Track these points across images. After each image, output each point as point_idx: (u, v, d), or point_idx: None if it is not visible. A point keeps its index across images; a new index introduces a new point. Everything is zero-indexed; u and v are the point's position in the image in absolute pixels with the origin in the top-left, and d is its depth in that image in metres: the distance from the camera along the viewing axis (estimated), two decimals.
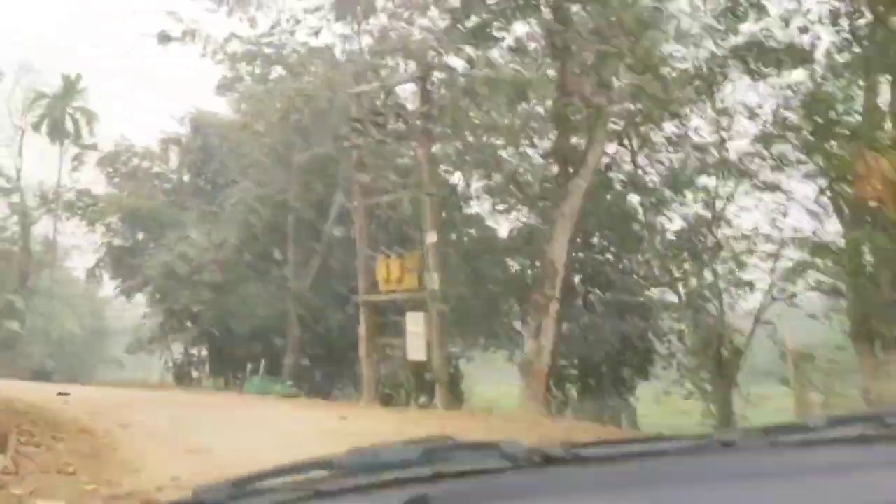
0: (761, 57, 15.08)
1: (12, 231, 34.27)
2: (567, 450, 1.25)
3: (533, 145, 19.29)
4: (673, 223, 20.22)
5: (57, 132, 30.09)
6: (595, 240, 21.49)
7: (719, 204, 19.10)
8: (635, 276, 21.52)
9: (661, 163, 20.14)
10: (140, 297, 28.75)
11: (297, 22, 19.19)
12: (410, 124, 13.14)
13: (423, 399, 14.95)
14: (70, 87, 30.96)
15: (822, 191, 16.58)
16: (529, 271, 20.19)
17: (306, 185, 22.24)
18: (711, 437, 1.39)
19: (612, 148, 18.90)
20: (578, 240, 18.22)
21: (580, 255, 20.31)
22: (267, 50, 23.71)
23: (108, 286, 30.83)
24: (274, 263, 22.94)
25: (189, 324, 24.58)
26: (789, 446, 1.32)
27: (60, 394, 13.51)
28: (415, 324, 12.96)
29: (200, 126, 29.14)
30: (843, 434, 1.33)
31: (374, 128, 13.53)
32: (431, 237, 12.96)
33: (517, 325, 20.53)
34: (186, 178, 29.95)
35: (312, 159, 21.86)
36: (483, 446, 1.30)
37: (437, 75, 14.41)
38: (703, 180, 19.41)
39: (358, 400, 16.25)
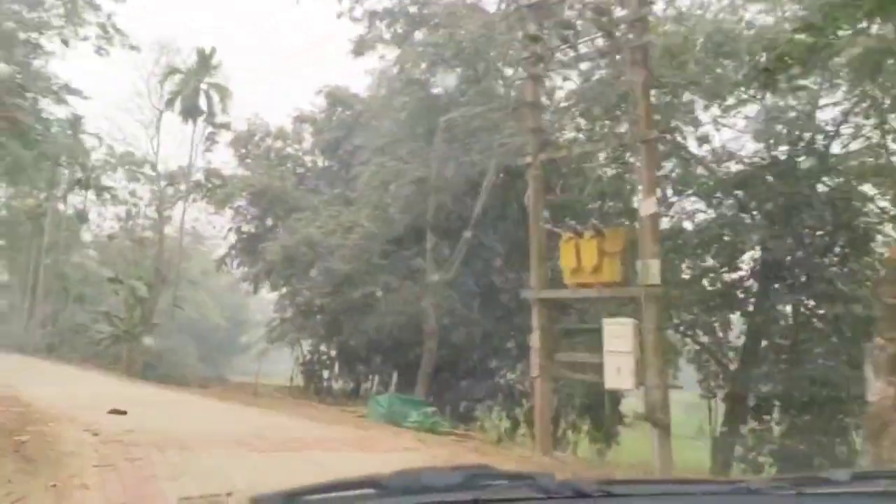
0: None
1: (148, 217, 33.38)
2: (599, 485, 1.37)
3: None
4: None
5: (190, 110, 28.46)
6: None
7: None
8: None
9: None
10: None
11: None
12: (617, 37, 8.77)
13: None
14: (204, 62, 29.29)
15: None
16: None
17: (448, 157, 18.33)
18: (741, 482, 1.47)
19: None
20: None
21: None
22: (411, 9, 20.40)
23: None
24: (411, 252, 19.20)
25: (317, 317, 21.64)
26: (814, 497, 1.38)
27: (115, 412, 10.38)
28: (618, 334, 8.61)
29: (335, 102, 26.39)
30: (866, 489, 1.40)
31: (561, 43, 9.36)
32: (648, 206, 8.55)
33: None
34: (319, 160, 27.34)
35: (461, 123, 17.89)
36: (519, 477, 1.45)
37: None
38: None
39: (528, 445, 12.18)
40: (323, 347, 25.24)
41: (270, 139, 26.96)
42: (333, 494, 1.33)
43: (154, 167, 30.27)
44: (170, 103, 28.96)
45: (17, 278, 36.56)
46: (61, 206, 35.65)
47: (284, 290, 22.78)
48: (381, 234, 17.79)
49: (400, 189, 17.83)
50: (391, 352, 20.97)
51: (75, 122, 34.01)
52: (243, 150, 26.78)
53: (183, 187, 28.18)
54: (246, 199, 24.34)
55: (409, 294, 18.73)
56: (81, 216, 34.76)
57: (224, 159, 26.77)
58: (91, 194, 34.88)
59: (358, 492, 1.33)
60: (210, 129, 27.87)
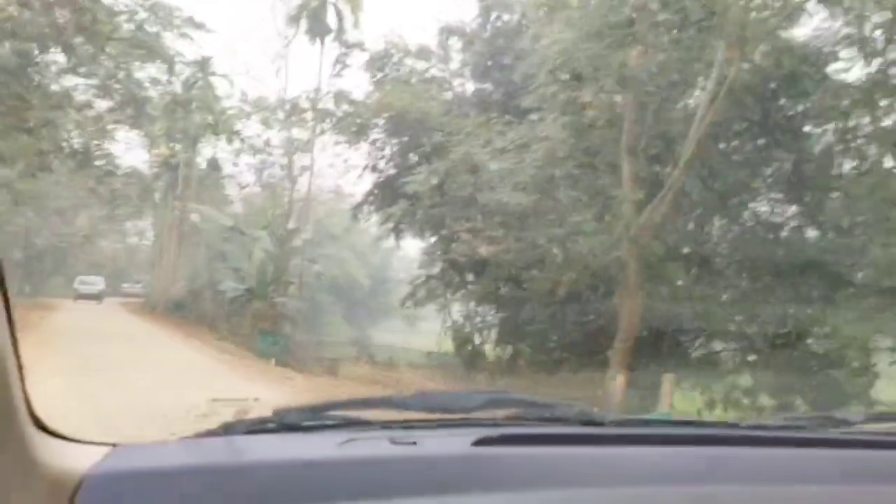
0: None
1: (281, 166, 30.03)
2: (613, 418, 1.47)
3: None
4: None
5: (317, 28, 24.35)
6: None
7: None
8: None
9: None
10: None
11: None
12: None
13: None
14: None
15: None
16: None
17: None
18: (755, 424, 1.47)
19: None
20: None
21: None
22: None
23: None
24: (605, 181, 13.61)
25: (477, 270, 16.92)
26: (827, 438, 1.39)
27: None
28: None
29: (490, 7, 21.20)
30: (881, 428, 1.46)
31: None
32: None
33: None
34: (470, 84, 22.34)
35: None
36: (538, 404, 1.47)
37: None
38: None
39: None
40: (480, 309, 20.60)
41: (411, 59, 22.26)
42: (354, 412, 1.36)
43: (283, 104, 26.53)
44: (293, 20, 24.94)
45: (155, 233, 35.11)
46: (196, 158, 33.47)
47: (433, 238, 18.31)
48: (571, 154, 12.33)
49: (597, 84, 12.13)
50: (570, 324, 15.79)
51: (204, 64, 31.25)
52: (379, 74, 22.25)
53: (310, 119, 24.12)
54: (383, 129, 19.87)
55: (602, 240, 13.33)
56: (213, 165, 32.23)
57: (357, 85, 22.15)
58: (223, 143, 32.16)
59: (378, 410, 1.37)
60: (340, 49, 23.56)
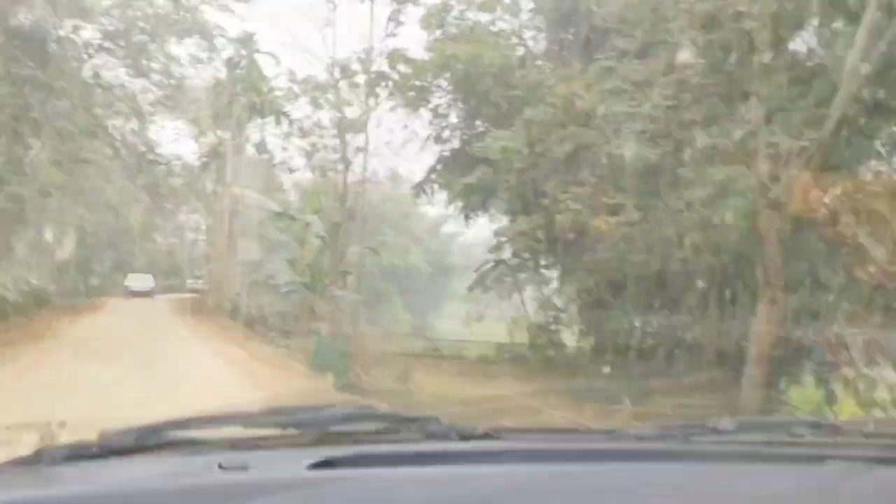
0: None
1: (335, 150, 27.48)
2: (484, 430, 1.35)
3: None
4: None
5: None
6: None
7: None
8: None
9: None
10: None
11: None
12: None
13: None
14: None
15: None
16: None
17: None
18: (627, 431, 1.45)
19: None
20: None
21: None
22: None
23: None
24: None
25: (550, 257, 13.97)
26: (701, 445, 1.37)
27: None
28: None
29: None
30: (751, 437, 1.43)
31: None
32: None
33: None
34: (543, 40, 19.26)
35: None
36: (404, 420, 1.38)
37: None
38: None
39: None
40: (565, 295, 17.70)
41: (474, 11, 19.29)
42: (196, 431, 1.29)
43: (333, 70, 23.80)
44: None
45: (206, 225, 33.32)
46: (244, 142, 31.45)
47: (508, 220, 15.31)
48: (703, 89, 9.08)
49: None
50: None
51: (247, 40, 29.01)
52: (438, 32, 19.34)
53: (362, 82, 21.34)
54: (447, 91, 17.00)
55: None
56: (261, 148, 30.07)
57: (413, 46, 19.21)
58: (270, 125, 29.90)
59: (224, 427, 1.32)
60: (393, 6, 20.70)
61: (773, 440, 1.40)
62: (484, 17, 19.31)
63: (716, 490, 1.19)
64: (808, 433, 1.42)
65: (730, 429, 1.44)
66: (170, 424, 1.30)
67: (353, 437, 1.30)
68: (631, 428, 1.52)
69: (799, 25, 9.88)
